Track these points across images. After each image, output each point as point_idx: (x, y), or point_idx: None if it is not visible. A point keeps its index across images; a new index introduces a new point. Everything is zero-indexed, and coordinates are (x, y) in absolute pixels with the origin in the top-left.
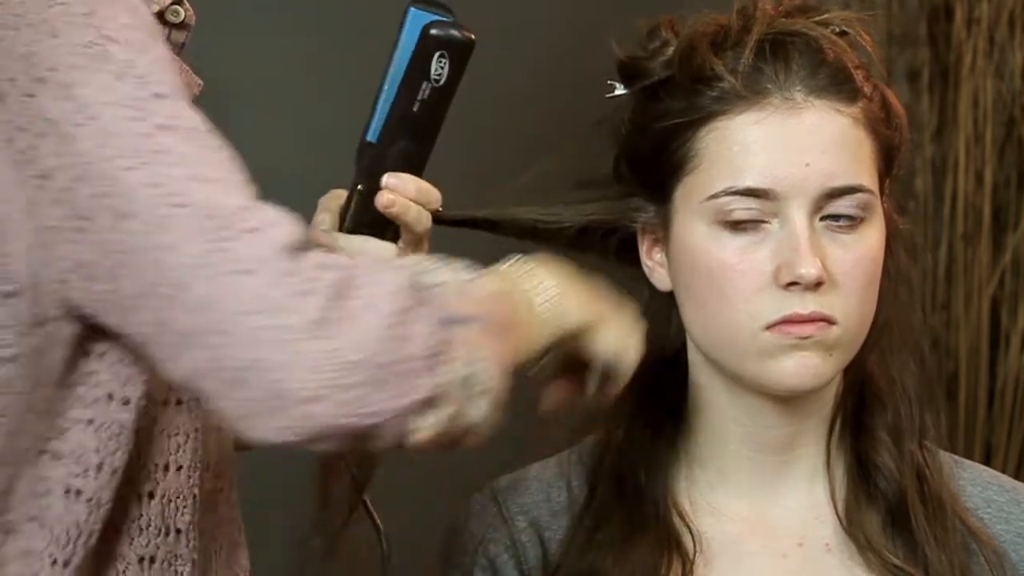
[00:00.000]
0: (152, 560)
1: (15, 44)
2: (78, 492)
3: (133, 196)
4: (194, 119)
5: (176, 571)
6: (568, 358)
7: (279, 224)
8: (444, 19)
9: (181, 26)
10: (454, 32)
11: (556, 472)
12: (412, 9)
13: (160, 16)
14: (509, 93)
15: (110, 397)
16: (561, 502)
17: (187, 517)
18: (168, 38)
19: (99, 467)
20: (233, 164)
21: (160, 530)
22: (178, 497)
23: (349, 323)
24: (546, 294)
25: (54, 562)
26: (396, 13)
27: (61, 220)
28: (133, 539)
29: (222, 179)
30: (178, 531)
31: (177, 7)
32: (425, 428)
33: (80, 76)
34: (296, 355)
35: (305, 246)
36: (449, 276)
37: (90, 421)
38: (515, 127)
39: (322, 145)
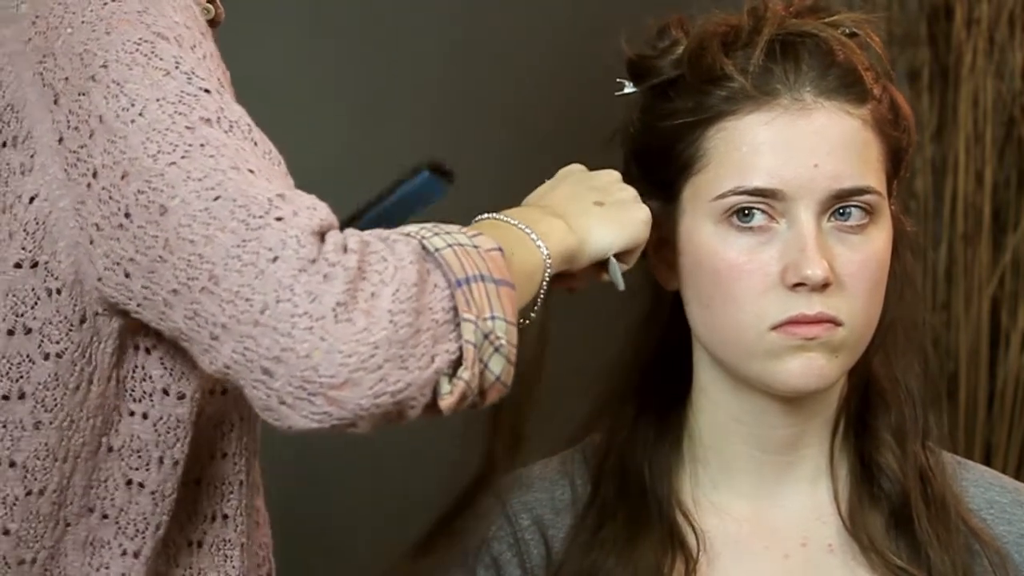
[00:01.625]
0: (200, 544)
1: (72, 43)
2: (140, 485)
3: (173, 191)
4: (238, 112)
5: (225, 555)
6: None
7: (307, 210)
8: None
9: (212, 23)
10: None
11: (560, 470)
12: (427, 174)
13: None
14: (516, 92)
15: (165, 392)
16: (565, 500)
17: (234, 503)
18: None
19: (160, 460)
20: (275, 156)
21: (207, 516)
22: (223, 483)
23: (371, 302)
24: (529, 240)
25: (124, 552)
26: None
27: (105, 218)
28: (183, 525)
29: (261, 170)
30: (225, 516)
31: (209, 5)
32: (451, 391)
33: (131, 73)
34: (323, 341)
35: (330, 228)
36: (451, 239)
37: (145, 415)
38: (522, 126)
39: (324, 146)
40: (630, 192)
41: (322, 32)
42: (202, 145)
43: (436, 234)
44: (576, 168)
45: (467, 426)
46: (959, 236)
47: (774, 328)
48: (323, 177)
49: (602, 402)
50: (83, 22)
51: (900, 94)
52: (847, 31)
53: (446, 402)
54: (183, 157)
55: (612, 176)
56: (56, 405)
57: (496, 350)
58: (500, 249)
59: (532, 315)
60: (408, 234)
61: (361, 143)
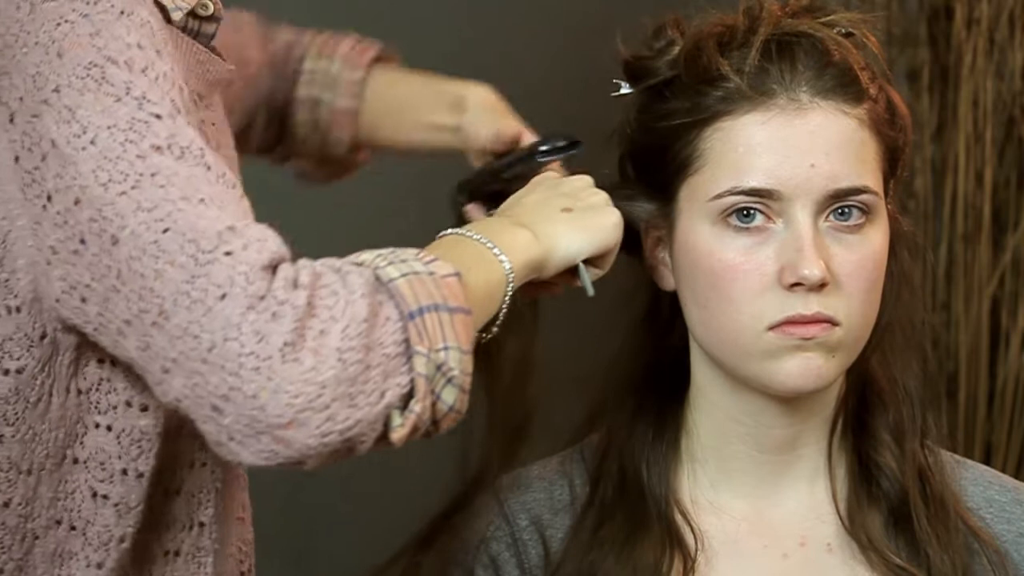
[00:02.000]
0: (177, 553)
1: (26, 64)
2: (104, 497)
3: (124, 221)
4: (189, 136)
5: (199, 563)
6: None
7: (257, 242)
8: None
9: (211, 18)
10: None
11: (558, 470)
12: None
13: (191, 13)
14: (514, 93)
15: (128, 404)
16: (563, 500)
17: (210, 511)
18: (199, 30)
19: (124, 472)
20: (228, 179)
21: (185, 525)
22: (201, 492)
23: (320, 340)
24: (491, 255)
25: (88, 564)
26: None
27: (60, 242)
28: (160, 535)
29: (213, 197)
30: (201, 524)
31: (206, 1)
32: (402, 424)
33: (82, 99)
34: (269, 381)
35: (281, 261)
36: (405, 268)
37: (109, 427)
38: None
39: None
40: (600, 196)
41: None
42: (152, 175)
43: (391, 263)
44: (549, 175)
45: (466, 428)
46: (959, 236)
47: (771, 328)
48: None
49: (600, 402)
50: (36, 43)
51: (896, 93)
52: (843, 31)
53: (397, 435)
54: (133, 187)
55: (583, 181)
56: (18, 418)
57: (449, 381)
58: (457, 274)
59: (495, 330)
60: (362, 263)
61: None
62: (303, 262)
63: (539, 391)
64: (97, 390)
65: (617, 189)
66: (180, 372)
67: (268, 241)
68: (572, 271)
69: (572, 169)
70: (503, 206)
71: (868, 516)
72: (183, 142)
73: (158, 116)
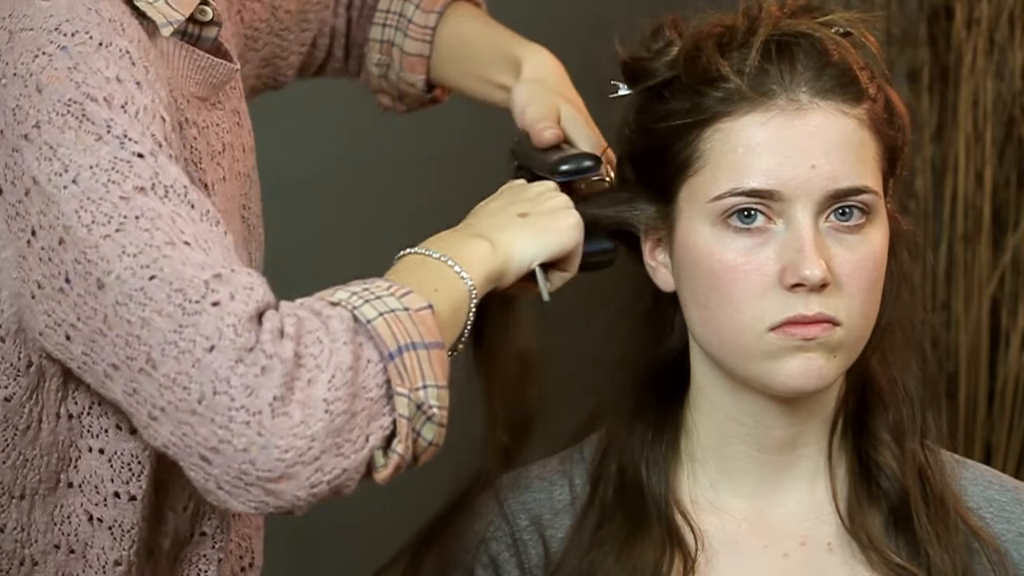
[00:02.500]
0: (178, 559)
1: (5, 96)
2: (99, 520)
3: (109, 266)
4: (173, 174)
5: (199, 571)
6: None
7: (244, 291)
8: None
9: (211, 23)
10: None
11: (558, 470)
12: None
13: (190, 18)
14: None
15: (118, 427)
16: (563, 500)
17: (215, 521)
18: (199, 35)
19: (116, 495)
20: (212, 216)
21: (188, 534)
22: (205, 503)
23: (307, 391)
24: (452, 273)
25: None
26: None
27: (45, 278)
28: (163, 545)
29: (197, 239)
30: (203, 534)
31: (204, 7)
32: (385, 464)
33: (63, 136)
34: (260, 436)
35: (266, 309)
36: (382, 306)
37: (101, 451)
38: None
39: (321, 146)
40: (559, 200)
41: None
42: (136, 217)
43: (366, 301)
44: (515, 183)
45: (467, 427)
46: (959, 236)
47: (772, 329)
48: (322, 175)
49: (600, 402)
50: (15, 74)
51: (895, 93)
52: (841, 30)
53: (381, 475)
54: (117, 230)
55: (544, 187)
56: (8, 445)
57: (429, 419)
58: (430, 306)
59: (460, 347)
60: (338, 303)
61: (358, 143)
62: (285, 307)
63: (540, 391)
64: (88, 413)
65: (616, 191)
66: (168, 420)
67: (254, 289)
68: (530, 278)
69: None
70: (471, 213)
71: (868, 516)
72: (166, 181)
73: (140, 155)
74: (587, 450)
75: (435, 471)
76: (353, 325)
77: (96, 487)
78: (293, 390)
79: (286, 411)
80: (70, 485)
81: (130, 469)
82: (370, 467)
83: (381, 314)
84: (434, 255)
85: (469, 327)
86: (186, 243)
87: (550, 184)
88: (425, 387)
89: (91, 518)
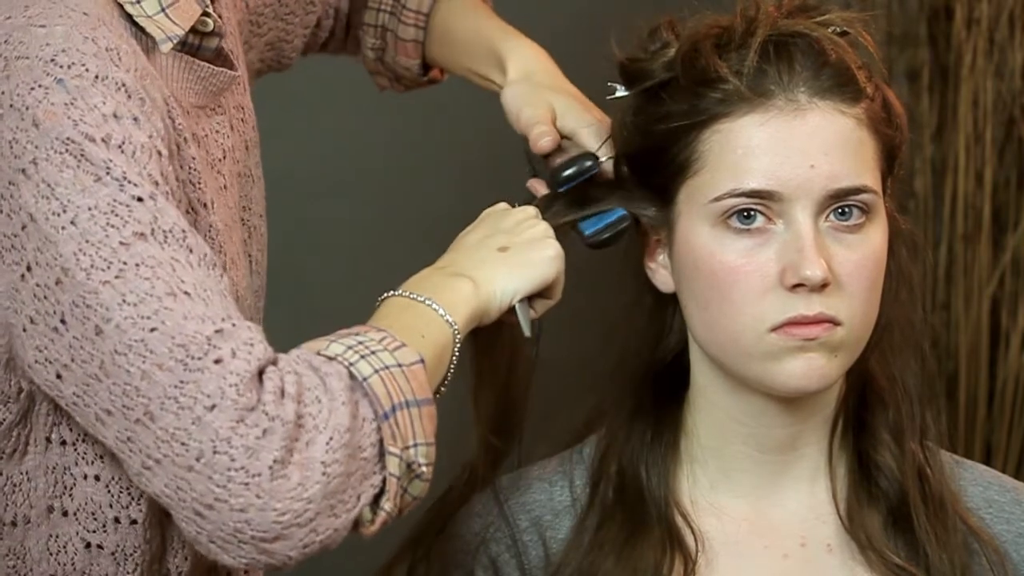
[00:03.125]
0: (180, 573)
1: (1, 128)
2: (100, 547)
3: (109, 313)
4: (172, 218)
5: None
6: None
7: (245, 347)
8: None
9: (212, 34)
10: None
11: (558, 471)
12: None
13: (191, 29)
14: None
15: (114, 454)
16: (563, 501)
17: None
18: (200, 46)
19: (116, 520)
20: (209, 259)
21: (201, 555)
22: None
23: (305, 452)
24: (437, 317)
25: None
26: None
27: (39, 314)
28: (168, 561)
29: (196, 289)
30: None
31: (205, 18)
32: (372, 520)
33: (61, 176)
34: (259, 499)
35: (267, 365)
36: (377, 362)
37: (97, 477)
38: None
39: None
40: (539, 228)
41: None
42: (137, 265)
43: (362, 357)
44: (498, 208)
45: (465, 428)
46: (959, 236)
47: (773, 330)
48: (319, 175)
49: (600, 403)
50: (11, 106)
51: (892, 91)
52: (838, 30)
53: (368, 530)
54: (117, 277)
55: (525, 213)
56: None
57: (416, 477)
58: (422, 361)
59: (443, 389)
60: (334, 358)
61: (356, 144)
62: (283, 364)
63: (538, 391)
64: (84, 440)
65: (613, 191)
66: (163, 473)
67: (254, 346)
68: (511, 311)
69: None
70: (453, 244)
71: (867, 516)
72: (165, 226)
73: (139, 199)
74: (587, 451)
75: (434, 471)
76: (350, 383)
77: (93, 514)
78: (292, 452)
79: (285, 473)
80: (64, 513)
81: (129, 493)
82: (356, 522)
83: (376, 371)
84: (419, 298)
85: (452, 370)
86: (186, 293)
87: (530, 211)
88: (416, 445)
89: (88, 545)
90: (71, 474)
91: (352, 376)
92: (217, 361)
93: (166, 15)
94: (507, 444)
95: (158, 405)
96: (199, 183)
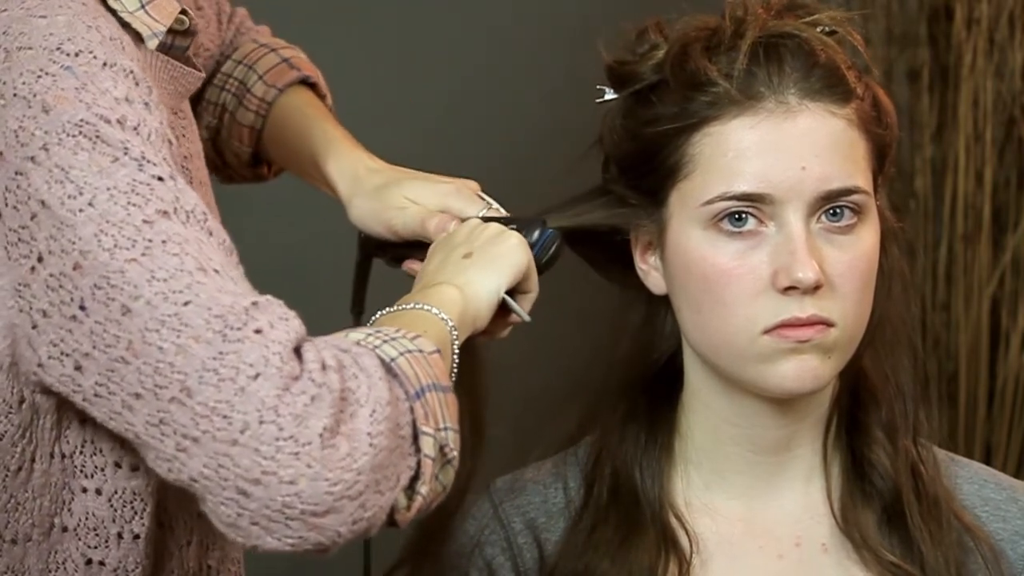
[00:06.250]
0: None
1: (6, 117)
2: (101, 563)
3: (137, 291)
4: (192, 199)
5: None
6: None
7: (281, 321)
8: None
9: (186, 33)
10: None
11: (553, 474)
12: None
13: (168, 29)
14: (497, 100)
15: (117, 465)
16: (558, 503)
17: (218, 553)
18: (173, 44)
19: (119, 536)
20: (228, 245)
21: (197, 569)
22: (209, 535)
23: (351, 424)
24: (434, 316)
25: None
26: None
27: (54, 306)
28: None
29: (223, 268)
30: (209, 567)
31: (182, 16)
32: (408, 507)
33: (76, 158)
34: (310, 468)
35: (303, 341)
36: (400, 346)
37: (98, 491)
38: (503, 133)
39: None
40: (492, 229)
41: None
42: (163, 241)
43: (385, 341)
44: (441, 237)
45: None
46: (959, 236)
47: (766, 332)
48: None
49: (594, 405)
50: (15, 95)
51: (882, 90)
52: (827, 29)
53: (403, 517)
54: (143, 254)
55: (469, 226)
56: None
57: (448, 462)
58: (439, 351)
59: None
60: (359, 343)
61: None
62: (318, 341)
63: (533, 394)
64: (81, 452)
65: (602, 194)
66: (202, 452)
67: (291, 320)
68: (503, 312)
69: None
70: (417, 284)
71: (862, 514)
72: (187, 206)
73: (160, 178)
74: (581, 452)
75: None
76: (380, 362)
77: (95, 529)
78: (340, 422)
79: (334, 443)
80: (64, 529)
81: (132, 507)
82: (392, 510)
83: (401, 354)
84: (408, 307)
85: (455, 370)
86: (215, 271)
87: (473, 222)
88: (446, 429)
89: (89, 562)
90: (69, 488)
91: (380, 358)
92: (257, 331)
93: (146, 11)
94: (479, 448)
95: (196, 379)
96: (191, 183)
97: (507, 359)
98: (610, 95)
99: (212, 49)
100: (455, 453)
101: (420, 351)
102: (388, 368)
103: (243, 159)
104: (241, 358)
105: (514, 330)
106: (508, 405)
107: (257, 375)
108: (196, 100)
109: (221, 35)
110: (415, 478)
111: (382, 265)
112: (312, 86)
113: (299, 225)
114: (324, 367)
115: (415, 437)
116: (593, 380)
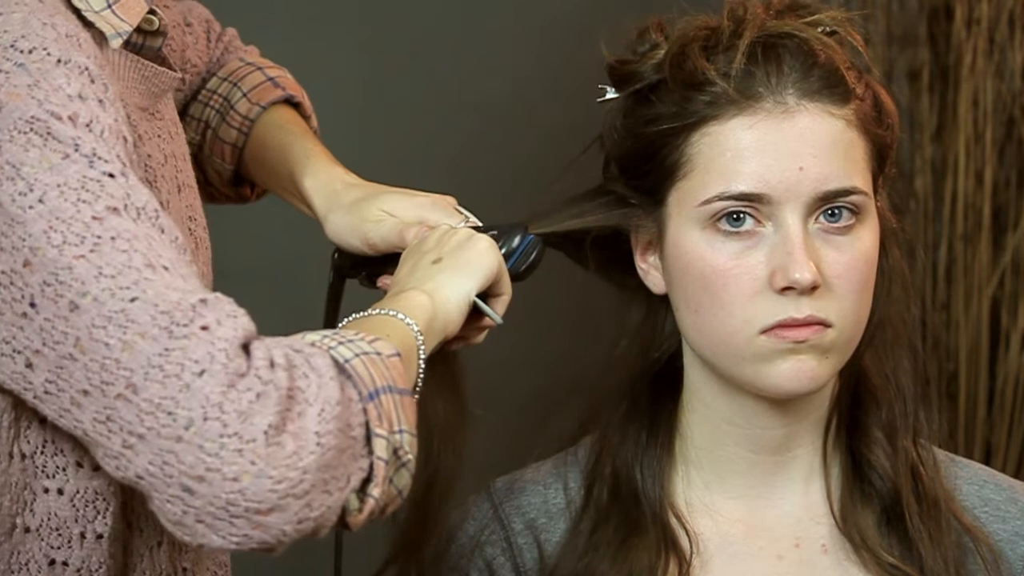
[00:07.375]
0: None
1: None
2: (64, 564)
3: (85, 287)
4: (144, 197)
5: None
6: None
7: (229, 319)
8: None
9: (156, 33)
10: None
11: (553, 474)
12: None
13: (137, 28)
14: (496, 98)
15: (79, 464)
16: (558, 504)
17: (192, 555)
18: (144, 44)
19: (82, 536)
20: (180, 243)
21: (171, 572)
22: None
23: (298, 423)
24: (399, 321)
25: None
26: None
27: (6, 302)
28: None
29: (173, 265)
30: (184, 569)
31: (151, 16)
32: (359, 509)
33: (27, 155)
34: (253, 465)
35: (252, 339)
36: (355, 348)
37: (60, 491)
38: (501, 134)
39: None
40: (461, 234)
41: (320, 34)
42: (112, 238)
43: (341, 343)
44: (411, 244)
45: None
46: (959, 236)
47: (764, 332)
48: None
49: (594, 405)
50: None
51: (883, 89)
52: (827, 30)
53: (355, 519)
54: (92, 251)
55: (439, 232)
56: None
57: (403, 465)
58: (399, 354)
59: (416, 394)
60: (314, 344)
61: (351, 147)
62: (268, 340)
63: (532, 394)
64: (42, 453)
65: (602, 193)
66: (147, 448)
67: (239, 318)
68: (476, 318)
69: None
70: (390, 289)
71: (861, 515)
72: (138, 203)
73: (111, 175)
74: (581, 453)
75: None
76: (333, 363)
77: (57, 529)
78: (286, 420)
79: (279, 440)
80: (27, 530)
81: (95, 507)
82: (343, 511)
83: (356, 355)
84: (373, 312)
85: (421, 376)
86: (164, 268)
87: (442, 228)
88: (401, 432)
89: (53, 562)
90: (31, 489)
91: (333, 359)
92: (204, 328)
93: (112, 11)
94: (460, 447)
95: (142, 375)
96: (155, 182)
97: (507, 360)
98: (611, 94)
99: (199, 66)
100: (410, 456)
101: (377, 353)
102: (341, 369)
103: (225, 177)
104: (187, 354)
105: (514, 331)
106: (508, 405)
107: (202, 371)
108: (180, 115)
109: (209, 52)
110: (367, 480)
111: (357, 286)
112: (296, 106)
113: (295, 230)
114: (272, 365)
115: (368, 439)
116: (593, 380)
